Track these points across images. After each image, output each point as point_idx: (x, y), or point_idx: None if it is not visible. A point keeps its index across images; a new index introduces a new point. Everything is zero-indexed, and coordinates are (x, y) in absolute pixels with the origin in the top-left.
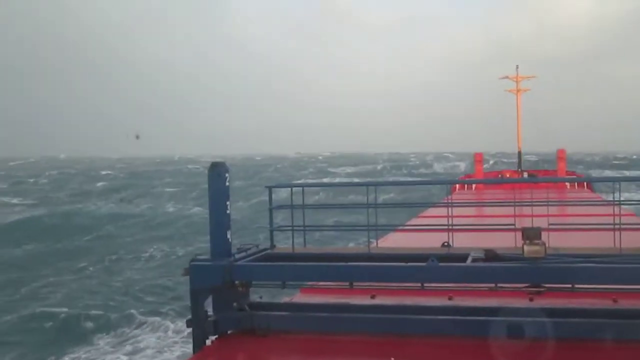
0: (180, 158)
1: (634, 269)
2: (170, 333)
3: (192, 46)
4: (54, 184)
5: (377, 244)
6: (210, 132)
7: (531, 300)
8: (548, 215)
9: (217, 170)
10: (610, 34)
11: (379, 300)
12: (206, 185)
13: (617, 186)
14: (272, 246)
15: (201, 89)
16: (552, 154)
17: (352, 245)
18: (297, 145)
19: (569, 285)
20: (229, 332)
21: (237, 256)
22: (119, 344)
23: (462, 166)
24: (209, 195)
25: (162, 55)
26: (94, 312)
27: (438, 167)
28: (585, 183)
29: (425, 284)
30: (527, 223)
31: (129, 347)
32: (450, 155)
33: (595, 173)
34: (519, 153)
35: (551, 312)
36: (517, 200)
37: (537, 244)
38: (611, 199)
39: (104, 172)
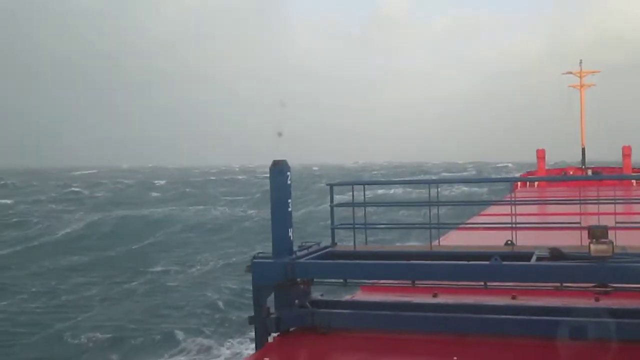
0: (241, 168)
1: None
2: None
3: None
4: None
5: (438, 242)
6: (266, 144)
7: (597, 300)
8: (615, 214)
9: (279, 168)
10: None
11: (441, 299)
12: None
13: None
14: (334, 244)
15: (259, 102)
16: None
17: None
18: (355, 155)
19: (637, 285)
20: (290, 329)
21: (298, 254)
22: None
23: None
24: (271, 193)
25: (232, 68)
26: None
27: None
28: None
29: (488, 283)
30: (592, 221)
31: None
32: (509, 165)
33: None
34: (583, 150)
35: (618, 313)
36: (582, 198)
37: (604, 243)
38: None
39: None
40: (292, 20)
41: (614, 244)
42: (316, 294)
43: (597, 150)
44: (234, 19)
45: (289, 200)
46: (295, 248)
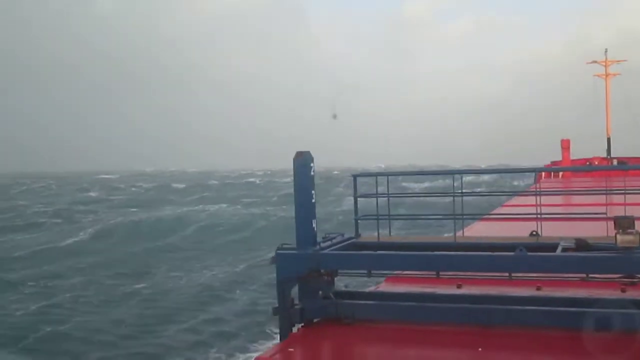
0: (265, 172)
1: None
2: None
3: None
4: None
5: (462, 233)
6: (287, 147)
7: (623, 291)
8: None
9: (303, 159)
10: None
11: (466, 290)
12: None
13: None
14: (357, 235)
15: (283, 108)
16: None
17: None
18: (377, 158)
19: None
20: (314, 320)
21: (322, 245)
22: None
23: None
24: (294, 184)
25: (250, 74)
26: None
27: (519, 182)
28: None
29: (513, 274)
30: (619, 212)
31: None
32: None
33: None
34: (608, 139)
35: None
36: (608, 188)
37: (630, 233)
38: None
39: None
40: (316, 27)
41: None
42: (340, 285)
43: (622, 141)
44: (259, 35)
45: (313, 192)
46: (318, 239)
